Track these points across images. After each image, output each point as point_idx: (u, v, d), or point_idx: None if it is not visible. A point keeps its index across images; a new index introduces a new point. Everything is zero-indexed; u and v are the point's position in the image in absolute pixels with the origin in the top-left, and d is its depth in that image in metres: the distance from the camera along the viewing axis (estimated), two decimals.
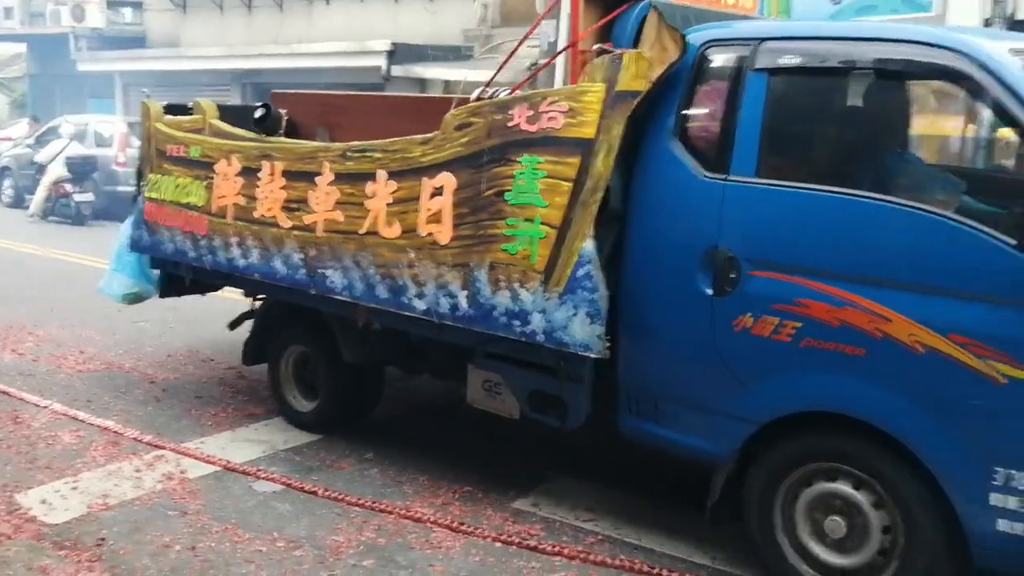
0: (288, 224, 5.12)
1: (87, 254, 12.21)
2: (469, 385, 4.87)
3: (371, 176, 4.71)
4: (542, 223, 3.99)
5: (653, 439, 4.25)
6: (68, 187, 15.72)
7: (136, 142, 16.50)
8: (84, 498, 4.63)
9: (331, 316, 5.31)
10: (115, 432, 5.54)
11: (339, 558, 4.13)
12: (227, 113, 5.97)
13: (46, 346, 7.42)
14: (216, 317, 7.52)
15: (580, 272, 3.89)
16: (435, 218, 4.41)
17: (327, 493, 4.78)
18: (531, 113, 4.07)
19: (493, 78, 4.79)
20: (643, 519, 4.60)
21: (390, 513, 4.58)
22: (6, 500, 4.56)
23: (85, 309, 8.67)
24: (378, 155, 4.72)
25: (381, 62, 16.34)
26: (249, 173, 5.36)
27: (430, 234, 4.44)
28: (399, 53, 16.27)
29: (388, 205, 4.63)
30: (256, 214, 5.28)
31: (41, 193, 16.07)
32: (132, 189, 15.82)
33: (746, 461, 3.92)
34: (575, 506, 4.75)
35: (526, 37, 5.20)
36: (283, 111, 6.14)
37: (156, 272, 6.35)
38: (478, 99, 4.53)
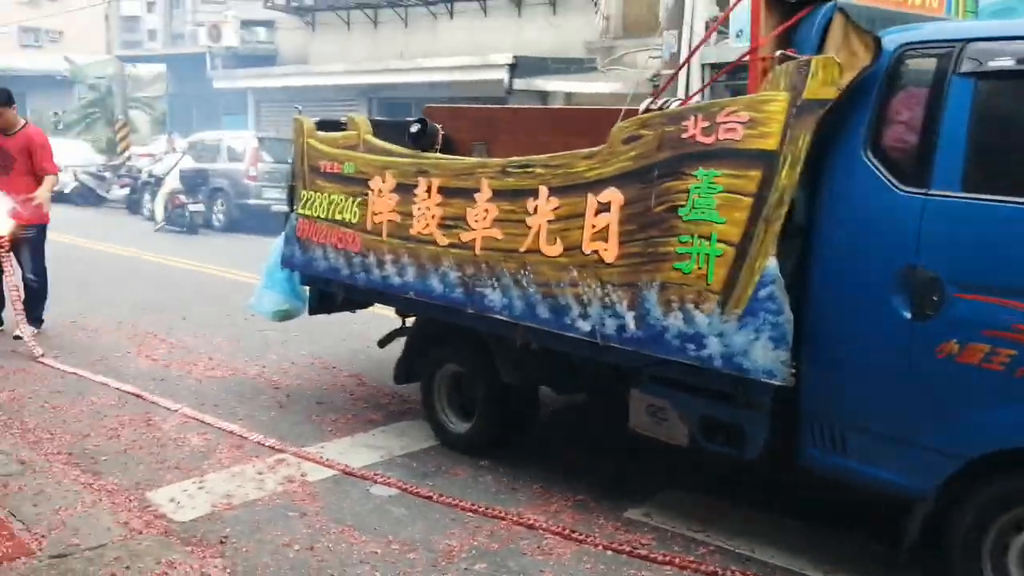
0: (445, 241, 5.02)
1: (205, 262, 12.70)
2: (631, 409, 4.68)
3: (532, 192, 4.58)
4: (719, 240, 3.77)
5: (839, 472, 3.97)
6: (182, 198, 16.79)
7: (266, 157, 17.23)
8: (210, 498, 4.78)
9: (488, 335, 5.17)
10: (240, 436, 5.69)
11: (451, 562, 4.14)
12: (381, 128, 5.88)
13: (177, 352, 7.69)
14: (337, 325, 7.70)
15: (762, 293, 3.66)
16: (600, 235, 4.25)
17: (441, 498, 4.81)
18: (707, 124, 3.85)
19: (664, 88, 4.70)
20: (756, 532, 4.53)
21: (503, 519, 4.58)
22: (138, 497, 4.74)
23: (213, 317, 9.01)
24: (539, 170, 4.58)
25: (503, 75, 16.47)
26: (404, 190, 5.27)
27: (595, 252, 4.27)
28: (521, 66, 16.38)
29: (550, 222, 4.50)
30: (412, 231, 5.20)
31: (160, 204, 17.23)
32: (263, 202, 16.81)
33: (948, 499, 3.62)
34: (687, 517, 4.67)
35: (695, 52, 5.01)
36: (439, 126, 6.07)
37: (306, 289, 6.33)
38: (646, 111, 4.34)
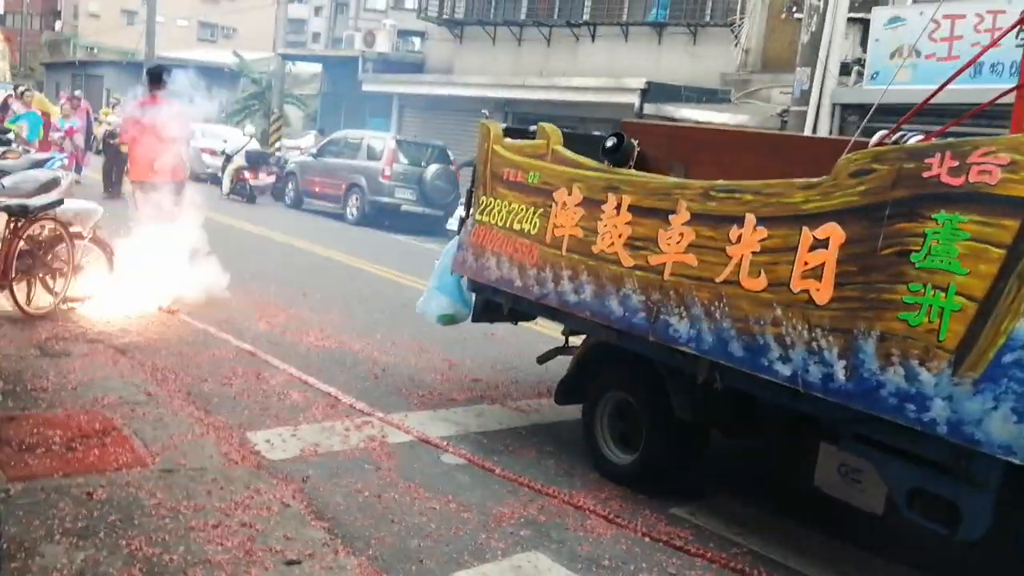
0: (630, 263, 4.79)
1: (345, 253, 13.55)
2: (820, 466, 4.35)
3: (737, 219, 4.27)
4: (958, 293, 3.41)
5: None
6: (246, 174, 19.60)
7: (402, 158, 18.12)
8: (300, 444, 5.37)
9: (664, 366, 4.89)
10: (335, 397, 6.30)
11: (500, 525, 4.57)
12: (572, 140, 5.74)
13: (293, 323, 8.45)
14: None
15: (1008, 358, 3.27)
16: (813, 273, 3.92)
17: (503, 472, 5.26)
18: (955, 164, 3.50)
19: (902, 123, 4.20)
20: (792, 543, 4.77)
21: (555, 497, 4.99)
22: (240, 435, 5.38)
23: (331, 295, 9.76)
24: (748, 197, 4.25)
25: (635, 99, 16.82)
26: (591, 204, 5.07)
27: (805, 291, 3.94)
28: (653, 92, 16.66)
29: (754, 253, 4.18)
30: (595, 249, 5.00)
31: (227, 178, 19.88)
32: (395, 201, 17.70)
33: None
34: (729, 521, 4.95)
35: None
36: (635, 142, 5.90)
37: (472, 295, 6.24)
38: (880, 143, 4.02)
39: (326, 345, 7.76)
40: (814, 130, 12.70)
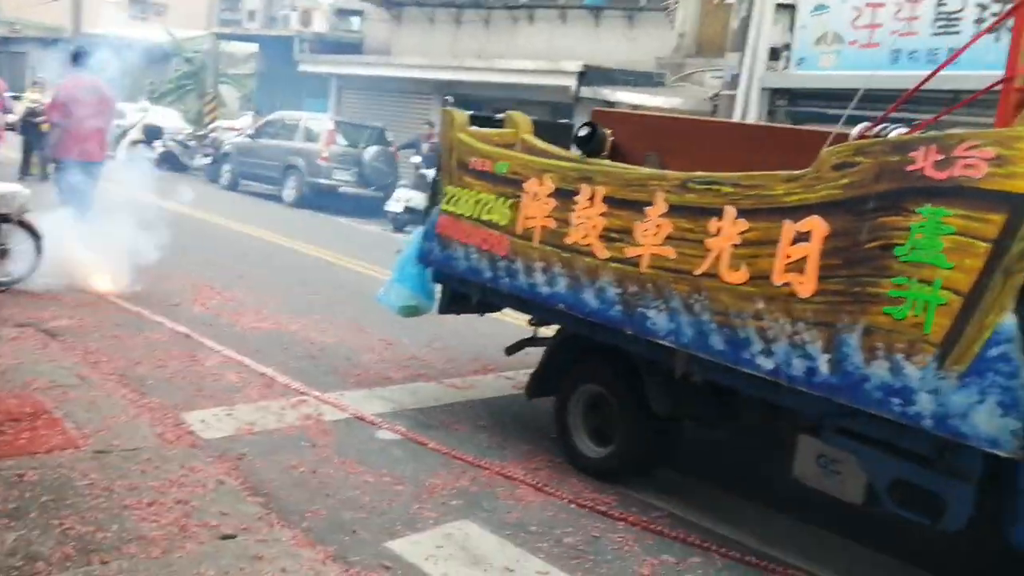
0: (606, 255, 4.72)
1: (276, 232, 13.50)
2: (798, 457, 4.29)
3: (716, 212, 4.23)
4: (943, 287, 3.41)
5: None
6: (140, 147, 19.78)
7: (341, 140, 18.04)
8: (235, 423, 5.44)
9: (641, 359, 4.85)
10: (270, 378, 6.36)
11: (432, 496, 4.72)
12: (541, 129, 5.67)
13: (229, 305, 8.44)
14: (375, 292, 8.31)
15: (992, 352, 3.29)
16: (796, 267, 3.89)
17: (436, 446, 5.40)
18: (941, 157, 3.47)
19: (887, 114, 4.15)
20: (711, 506, 5.03)
21: (486, 469, 5.16)
22: (174, 416, 5.41)
23: (266, 277, 9.77)
24: (727, 189, 4.21)
25: (571, 82, 16.97)
26: (564, 195, 4.98)
27: (787, 284, 3.92)
28: (590, 75, 16.83)
29: (734, 246, 4.15)
30: (568, 240, 4.92)
31: (122, 150, 19.72)
32: (332, 183, 17.65)
33: None
34: (654, 488, 5.18)
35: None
36: (608, 131, 5.77)
37: (437, 287, 6.15)
38: (861, 136, 3.98)
39: (262, 327, 7.78)
40: (744, 114, 12.99)
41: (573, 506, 4.79)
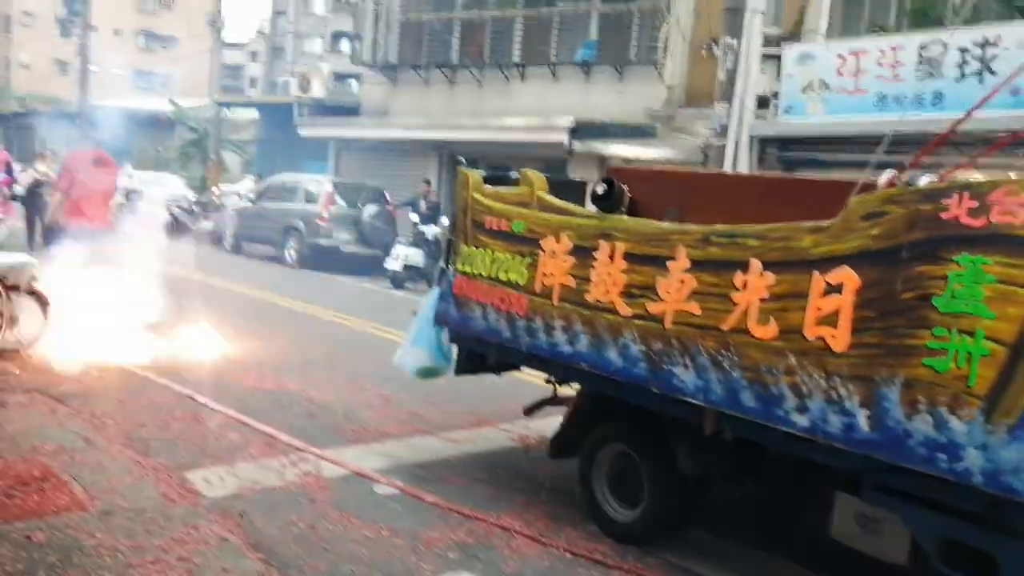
0: (628, 312, 4.65)
1: (277, 292, 13.70)
2: (836, 515, 4.22)
3: (741, 265, 4.18)
4: (987, 337, 3.32)
5: None
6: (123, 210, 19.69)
7: (340, 201, 18.35)
8: (238, 481, 5.57)
9: (668, 418, 4.73)
10: (272, 436, 6.50)
11: (430, 549, 4.84)
12: (555, 187, 5.63)
13: (232, 366, 8.60)
14: (374, 350, 8.50)
15: None
16: (828, 320, 3.81)
17: (433, 500, 5.52)
18: (975, 204, 3.42)
19: (916, 160, 4.08)
20: (709, 553, 5.10)
21: (483, 521, 5.27)
22: (178, 476, 5.55)
23: (266, 337, 9.96)
24: (752, 242, 4.16)
25: (563, 137, 17.31)
26: (583, 252, 4.94)
27: (820, 338, 3.84)
28: (581, 130, 17.18)
29: (762, 300, 4.08)
30: (589, 297, 4.87)
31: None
32: (332, 243, 17.90)
33: None
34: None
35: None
36: (625, 187, 5.60)
37: (453, 348, 6.09)
38: (890, 183, 3.92)
39: (264, 386, 7.93)
40: (734, 162, 13.25)
41: (569, 555, 4.89)
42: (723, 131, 13.44)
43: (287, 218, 18.60)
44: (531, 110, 19.04)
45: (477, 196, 5.72)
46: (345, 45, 29.24)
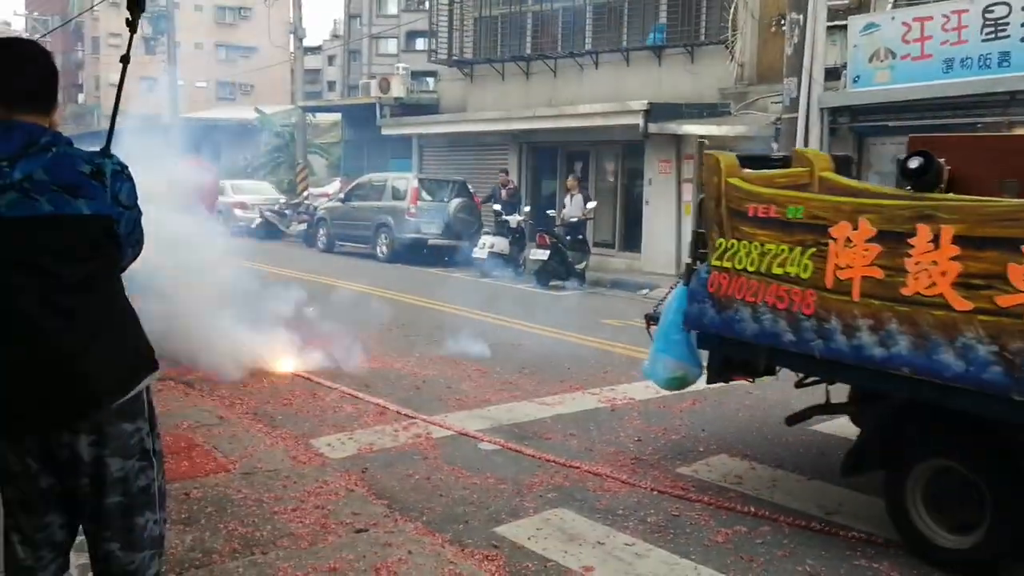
0: (967, 306, 3.92)
1: (376, 286, 14.44)
2: None
3: None
4: None
5: None
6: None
7: (426, 195, 19.10)
8: (356, 444, 6.24)
9: (1019, 429, 4.10)
10: (383, 406, 7.19)
11: (531, 491, 5.42)
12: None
13: (341, 350, 9.27)
14: (471, 331, 9.10)
15: None
16: None
17: (532, 453, 6.11)
18: None
19: None
20: (780, 486, 5.62)
21: (577, 468, 5.84)
22: (304, 442, 6.24)
23: (372, 325, 10.70)
24: None
25: (639, 120, 17.71)
26: (892, 239, 4.22)
27: None
28: (655, 112, 17.55)
29: None
30: (906, 291, 4.15)
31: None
32: (421, 236, 18.66)
33: None
34: (727, 474, 5.81)
35: None
36: (942, 160, 5.03)
37: (704, 353, 5.53)
38: None
39: (371, 366, 8.64)
40: (806, 134, 13.50)
41: (655, 492, 5.43)
42: (793, 105, 13.70)
43: (377, 215, 19.46)
44: (605, 96, 19.46)
45: (734, 182, 5.09)
46: (420, 44, 29.97)
